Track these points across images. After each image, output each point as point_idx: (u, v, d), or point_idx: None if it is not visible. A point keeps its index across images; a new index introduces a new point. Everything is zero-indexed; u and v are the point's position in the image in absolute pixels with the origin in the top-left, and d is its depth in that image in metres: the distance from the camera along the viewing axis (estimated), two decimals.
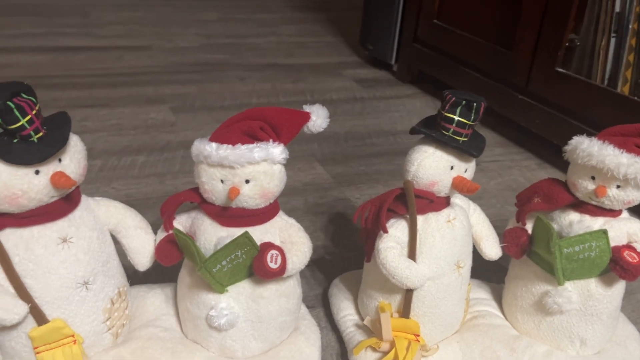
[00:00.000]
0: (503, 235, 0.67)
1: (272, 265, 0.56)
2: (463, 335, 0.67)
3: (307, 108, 0.59)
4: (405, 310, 0.63)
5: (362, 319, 0.68)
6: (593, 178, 0.60)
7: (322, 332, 0.70)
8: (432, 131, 0.60)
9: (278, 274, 0.57)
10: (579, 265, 0.61)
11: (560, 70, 1.20)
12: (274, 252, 0.57)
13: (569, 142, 0.62)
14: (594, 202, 0.62)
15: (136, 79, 1.63)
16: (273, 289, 0.60)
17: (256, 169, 0.56)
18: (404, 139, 1.35)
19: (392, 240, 0.61)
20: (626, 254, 0.61)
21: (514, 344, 0.66)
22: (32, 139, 0.49)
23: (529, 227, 0.66)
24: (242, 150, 0.55)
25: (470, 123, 0.59)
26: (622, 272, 0.60)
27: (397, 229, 0.62)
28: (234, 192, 0.55)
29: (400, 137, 1.36)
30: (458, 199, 0.67)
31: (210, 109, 1.44)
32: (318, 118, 0.59)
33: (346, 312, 0.70)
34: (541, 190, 0.65)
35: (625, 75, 1.12)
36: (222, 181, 0.56)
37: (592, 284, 0.63)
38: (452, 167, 0.60)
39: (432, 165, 0.60)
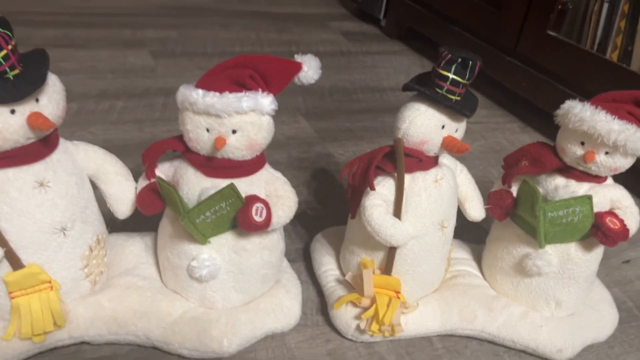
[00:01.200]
0: (488, 197, 0.67)
1: (257, 219, 0.55)
2: (443, 293, 0.68)
3: (298, 58, 0.57)
4: (387, 268, 0.63)
5: (344, 275, 0.69)
6: (582, 143, 0.60)
7: (303, 286, 0.70)
8: (426, 88, 0.58)
9: (262, 228, 0.56)
10: (562, 230, 0.62)
11: (550, 33, 1.18)
12: (259, 205, 0.56)
13: (561, 106, 0.61)
14: (580, 168, 0.62)
15: (114, 20, 1.56)
16: (256, 241, 0.59)
17: (244, 119, 0.54)
18: (390, 96, 1.33)
19: (379, 197, 0.60)
20: (608, 220, 0.61)
21: (492, 304, 0.67)
22: (7, 75, 0.46)
23: (514, 190, 0.66)
24: (230, 99, 0.53)
25: (465, 82, 0.57)
26: (603, 238, 0.60)
27: (384, 187, 0.61)
28: (220, 142, 0.53)
29: (386, 94, 1.34)
30: (446, 159, 0.67)
31: (191, 56, 1.40)
32: (310, 69, 0.57)
33: (327, 267, 0.70)
34: (529, 153, 0.65)
35: (615, 42, 1.11)
36: (207, 130, 0.54)
37: (572, 248, 0.64)
38: (443, 126, 0.59)
39: (423, 124, 0.58)
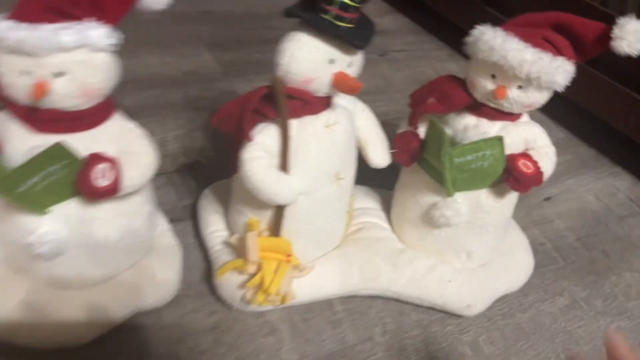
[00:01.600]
0: (394, 140, 0.59)
1: (101, 182, 0.45)
2: (343, 250, 0.61)
3: None
4: (275, 228, 0.54)
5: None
6: (494, 77, 0.52)
7: (188, 250, 0.61)
8: (308, 14, 0.47)
9: (109, 193, 0.46)
10: (471, 176, 0.55)
11: None
12: (103, 165, 0.45)
13: (471, 32, 0.52)
14: (492, 104, 0.54)
15: None
16: (108, 208, 0.49)
17: (69, 58, 0.42)
18: None
19: (259, 148, 0.51)
20: (521, 163, 0.54)
21: (397, 260, 0.60)
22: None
23: (422, 131, 0.58)
24: (45, 32, 0.41)
25: (355, 5, 0.47)
26: (515, 183, 0.54)
27: (265, 136, 0.51)
28: (39, 90, 0.42)
29: None
30: (343, 99, 0.57)
31: None
32: None
33: (214, 228, 0.61)
34: (437, 89, 0.56)
35: None
36: (26, 73, 0.42)
37: (483, 196, 0.57)
38: (331, 61, 0.49)
39: (306, 58, 0.48)
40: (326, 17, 0.47)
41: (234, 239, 0.57)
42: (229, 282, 0.55)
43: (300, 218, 0.54)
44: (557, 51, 0.50)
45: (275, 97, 0.50)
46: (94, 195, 0.45)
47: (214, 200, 0.64)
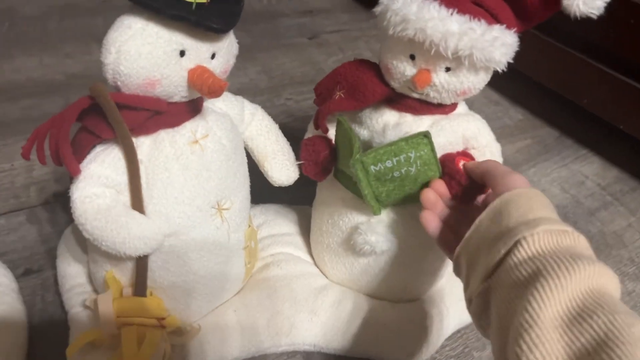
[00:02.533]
0: (300, 148, 0.45)
1: None
2: (245, 298, 0.47)
3: None
4: (138, 285, 0.40)
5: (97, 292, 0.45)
6: (412, 58, 0.38)
7: (46, 313, 0.47)
8: None
9: None
10: (398, 186, 0.41)
11: None
12: None
13: (379, 1, 0.38)
14: (415, 95, 0.40)
15: None
16: None
17: None
18: None
19: (95, 183, 0.36)
20: (462, 164, 0.41)
21: (315, 304, 0.47)
22: None
23: (333, 134, 0.45)
24: None
25: None
26: (459, 189, 0.40)
27: (103, 164, 0.37)
28: None
29: None
30: (221, 101, 0.43)
31: None
32: None
33: (75, 282, 0.47)
34: (344, 79, 0.42)
35: None
36: None
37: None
38: (182, 53, 0.35)
39: (142, 52, 0.34)
40: None
41: (89, 301, 0.43)
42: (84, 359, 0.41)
43: (172, 268, 0.40)
44: (493, 18, 0.36)
45: (104, 110, 0.35)
46: None
47: (76, 244, 0.49)
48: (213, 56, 0.37)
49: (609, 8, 0.36)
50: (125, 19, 0.34)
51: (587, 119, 0.78)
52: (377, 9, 0.39)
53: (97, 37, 0.86)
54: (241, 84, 0.83)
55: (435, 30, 0.35)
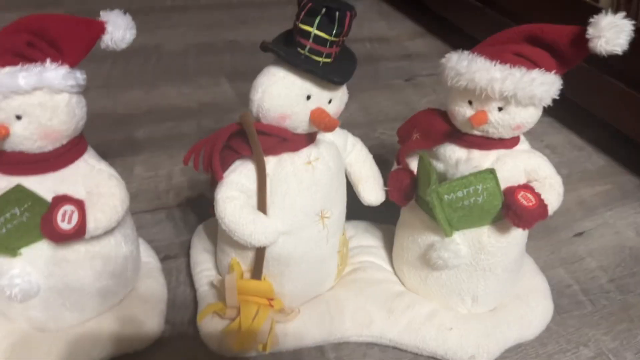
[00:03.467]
0: (388, 177, 0.55)
1: (65, 226, 0.44)
2: (335, 293, 0.57)
3: (103, 16, 0.44)
4: (256, 271, 0.51)
5: (221, 276, 0.58)
6: (470, 103, 0.47)
7: (180, 288, 0.60)
8: (283, 48, 0.45)
9: (75, 236, 0.45)
10: (467, 213, 0.50)
11: None
12: (67, 207, 0.44)
13: (440, 61, 0.49)
14: (477, 132, 0.49)
15: None
16: (81, 250, 0.48)
17: (28, 100, 0.41)
18: None
19: (234, 188, 0.49)
20: (521, 196, 0.49)
21: (393, 304, 0.56)
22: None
23: (415, 167, 0.54)
24: (2, 75, 0.40)
25: (333, 39, 0.44)
26: (516, 218, 0.48)
27: (240, 174, 0.49)
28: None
29: None
30: (332, 134, 0.54)
31: None
32: (116, 29, 0.44)
33: (203, 267, 0.59)
34: (419, 124, 0.52)
35: None
36: None
37: (485, 235, 0.52)
38: (309, 97, 0.46)
39: (281, 94, 0.46)
40: (303, 51, 0.44)
41: (216, 281, 0.55)
42: (210, 326, 0.53)
43: (283, 260, 0.51)
44: (533, 64, 0.45)
45: (247, 133, 0.47)
46: (57, 238, 0.44)
47: (206, 237, 0.62)
48: (330, 101, 0.48)
49: None
50: (272, 68, 0.46)
51: None
52: (438, 69, 0.49)
53: (225, 72, 1.04)
54: (341, 118, 0.94)
55: (482, 78, 0.45)
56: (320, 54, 0.45)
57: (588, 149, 0.92)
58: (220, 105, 0.95)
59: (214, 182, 0.50)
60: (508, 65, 0.45)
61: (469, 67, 0.45)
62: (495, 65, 0.45)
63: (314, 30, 0.44)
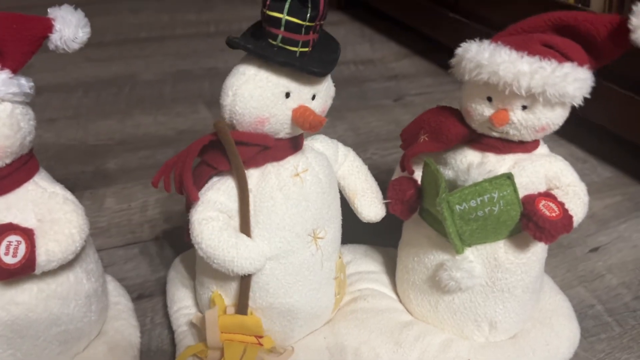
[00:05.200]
0: (388, 188, 0.49)
1: (9, 260, 0.37)
2: (334, 327, 0.50)
3: (51, 12, 0.38)
4: (241, 304, 0.44)
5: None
6: (490, 99, 0.41)
7: (155, 332, 0.52)
8: (252, 41, 0.39)
9: (22, 272, 0.37)
10: (481, 226, 0.44)
11: None
12: (12, 238, 0.37)
13: (455, 51, 0.43)
14: (495, 134, 0.43)
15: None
16: (33, 289, 0.40)
17: None
18: None
19: (212, 207, 0.42)
20: (542, 205, 0.43)
21: (400, 336, 0.48)
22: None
23: (419, 175, 0.48)
24: None
25: (308, 24, 0.39)
26: (537, 231, 0.42)
27: (218, 192, 0.42)
28: None
29: None
30: (319, 142, 0.48)
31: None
32: (66, 26, 0.38)
33: (182, 304, 0.52)
34: (428, 124, 0.46)
35: None
36: None
37: (501, 250, 0.45)
38: (287, 94, 0.41)
39: (253, 95, 0.40)
40: (275, 42, 0.39)
41: (195, 319, 0.47)
42: None
43: (272, 290, 0.44)
44: (564, 57, 0.39)
45: (224, 145, 0.41)
46: (1, 275, 0.37)
47: (184, 271, 0.55)
48: (313, 97, 0.42)
49: None
50: (240, 66, 0.41)
51: None
52: (453, 61, 0.43)
53: (203, 99, 0.99)
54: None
55: (507, 72, 0.39)
56: (295, 43, 0.39)
57: (592, 161, 0.87)
58: (199, 132, 0.89)
59: (189, 204, 0.44)
60: (537, 57, 0.39)
61: (492, 59, 0.39)
62: (522, 57, 0.39)
63: (284, 17, 0.38)
